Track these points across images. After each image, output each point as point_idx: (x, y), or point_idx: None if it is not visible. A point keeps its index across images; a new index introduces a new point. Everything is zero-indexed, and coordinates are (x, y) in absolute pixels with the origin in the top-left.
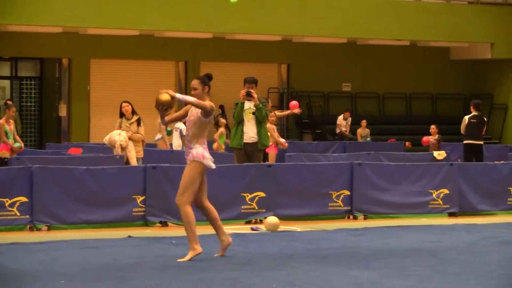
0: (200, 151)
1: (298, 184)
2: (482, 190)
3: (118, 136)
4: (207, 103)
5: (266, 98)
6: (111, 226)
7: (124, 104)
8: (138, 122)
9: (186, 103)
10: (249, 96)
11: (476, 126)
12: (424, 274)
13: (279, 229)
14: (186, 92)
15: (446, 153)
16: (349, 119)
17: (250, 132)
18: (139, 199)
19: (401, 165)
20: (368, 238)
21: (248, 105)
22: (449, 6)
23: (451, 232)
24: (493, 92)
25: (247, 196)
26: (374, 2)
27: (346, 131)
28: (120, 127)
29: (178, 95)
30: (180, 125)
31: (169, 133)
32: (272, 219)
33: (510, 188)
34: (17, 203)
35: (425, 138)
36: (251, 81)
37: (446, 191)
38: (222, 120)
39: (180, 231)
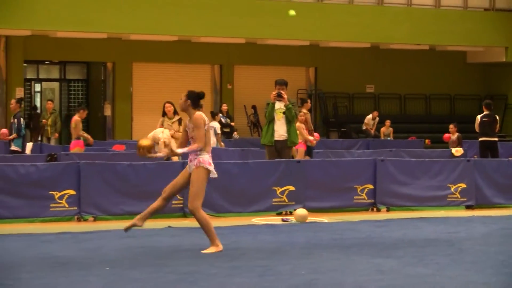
0: (206, 158)
1: (325, 179)
2: (497, 184)
3: (161, 134)
4: (195, 146)
5: (305, 98)
6: (152, 217)
7: (167, 105)
8: (179, 122)
9: (184, 152)
10: (279, 97)
11: (488, 124)
12: (442, 263)
13: (307, 221)
14: (221, 93)
15: (463, 150)
16: (377, 119)
17: (280, 130)
18: None
19: (421, 161)
20: (390, 229)
21: (279, 105)
22: (465, 13)
23: (468, 223)
24: (507, 93)
25: (278, 189)
26: (395, 9)
27: (372, 129)
28: (162, 125)
29: (178, 150)
30: (214, 123)
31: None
32: (301, 211)
33: None
34: (66, 196)
35: (446, 135)
36: (282, 83)
37: (463, 185)
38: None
39: (216, 222)
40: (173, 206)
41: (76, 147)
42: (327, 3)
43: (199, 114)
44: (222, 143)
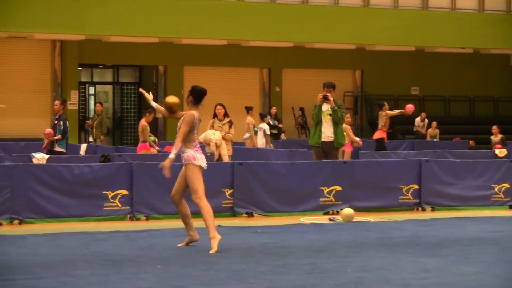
0: (190, 154)
1: (371, 179)
2: None
3: (213, 135)
4: (176, 142)
5: (381, 103)
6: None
7: (218, 107)
8: (230, 123)
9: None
10: (325, 99)
11: None
12: (487, 261)
13: (354, 220)
14: (269, 95)
15: (506, 150)
16: (426, 120)
17: (327, 132)
18: (228, 192)
19: (465, 162)
20: (435, 228)
21: (326, 107)
22: (509, 17)
23: None
24: None
25: (325, 189)
26: (439, 13)
27: (422, 130)
28: (212, 127)
29: (170, 156)
30: (263, 125)
31: (256, 132)
32: (347, 211)
33: None
34: (119, 196)
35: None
36: (329, 86)
37: (507, 185)
38: None
39: (264, 221)
40: (222, 206)
41: (142, 150)
42: (373, 8)
43: (191, 113)
44: (271, 144)
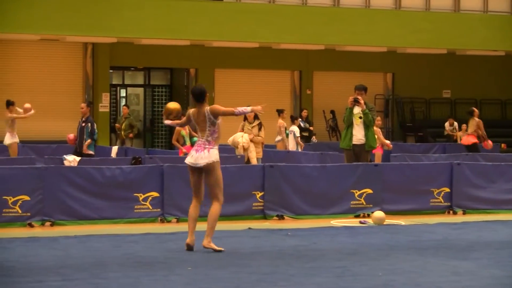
0: (217, 151)
1: (402, 182)
2: None
3: (241, 138)
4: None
5: (472, 110)
6: (233, 219)
7: None
8: (260, 126)
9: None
10: (356, 102)
11: None
12: None
13: (384, 223)
14: (300, 98)
15: None
16: (455, 124)
17: (358, 135)
18: (258, 194)
19: (497, 165)
20: (466, 231)
21: (357, 110)
22: None
23: None
24: None
25: (356, 192)
26: (471, 16)
27: (454, 135)
28: (242, 130)
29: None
30: (293, 127)
31: (287, 135)
32: (378, 214)
33: None
34: (150, 198)
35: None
36: (361, 88)
37: None
38: None
39: (295, 224)
40: (253, 208)
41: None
42: (404, 10)
43: (188, 111)
44: (302, 143)
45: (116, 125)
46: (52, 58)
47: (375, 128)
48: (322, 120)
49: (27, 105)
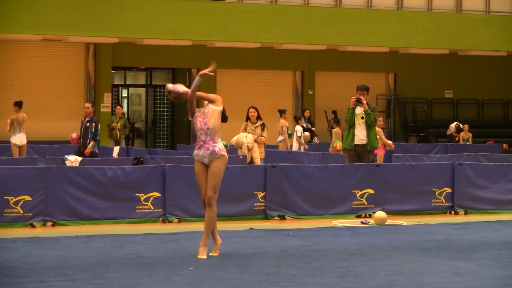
0: (221, 146)
1: (404, 182)
2: None
3: (245, 138)
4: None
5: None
6: (235, 219)
7: (251, 110)
8: (263, 126)
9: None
10: (358, 102)
11: None
12: None
13: (386, 223)
14: (302, 98)
15: None
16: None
17: (360, 135)
18: (260, 195)
19: (499, 165)
20: (468, 231)
21: (359, 110)
22: None
23: None
24: None
25: (358, 192)
26: (473, 17)
27: (456, 136)
28: (245, 130)
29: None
30: (297, 127)
31: (290, 135)
32: (380, 214)
33: None
34: (151, 198)
35: None
36: (363, 89)
37: None
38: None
39: (297, 224)
40: (255, 208)
41: None
42: (407, 11)
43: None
44: (305, 144)
45: (113, 124)
46: (54, 58)
47: (377, 128)
48: (324, 120)
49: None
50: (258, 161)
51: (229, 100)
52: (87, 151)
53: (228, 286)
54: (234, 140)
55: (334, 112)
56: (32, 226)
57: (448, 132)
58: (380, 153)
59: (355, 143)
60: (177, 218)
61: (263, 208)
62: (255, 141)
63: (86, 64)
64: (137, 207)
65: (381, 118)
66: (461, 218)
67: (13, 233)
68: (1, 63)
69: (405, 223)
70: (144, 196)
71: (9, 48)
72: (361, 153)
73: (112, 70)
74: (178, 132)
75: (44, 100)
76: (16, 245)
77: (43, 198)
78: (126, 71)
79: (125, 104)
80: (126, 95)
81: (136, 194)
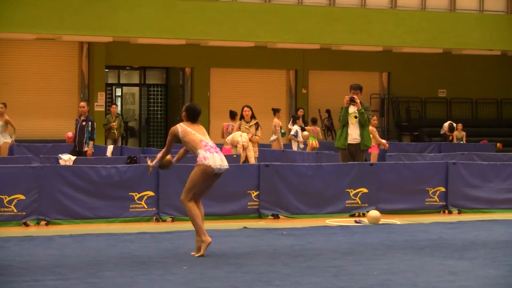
0: (201, 155)
1: (398, 181)
2: None
3: (240, 137)
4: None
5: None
6: (228, 218)
7: (245, 109)
8: (257, 126)
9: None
10: (352, 101)
11: None
12: None
13: (380, 222)
14: (296, 97)
15: None
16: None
17: (353, 134)
18: (254, 194)
19: (493, 164)
20: (461, 230)
21: (353, 109)
22: None
23: None
24: None
25: (351, 191)
26: (467, 16)
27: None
28: (239, 129)
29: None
30: (295, 127)
31: (283, 134)
32: (374, 213)
33: None
34: (145, 197)
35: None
36: (356, 88)
37: None
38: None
39: (290, 223)
40: (248, 207)
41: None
42: (401, 10)
43: (176, 126)
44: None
45: (112, 124)
46: (48, 57)
47: (371, 127)
48: (317, 119)
49: None
50: (252, 160)
51: (223, 99)
52: (89, 152)
53: (221, 285)
54: (229, 139)
55: (328, 111)
56: (26, 225)
57: (442, 131)
58: (374, 152)
59: (349, 142)
60: (171, 217)
61: (256, 207)
62: (250, 140)
63: (80, 63)
64: (130, 206)
65: (375, 117)
66: (454, 217)
67: (7, 232)
68: None
69: (398, 222)
70: (138, 195)
71: (3, 47)
72: (355, 152)
73: (106, 69)
74: None
75: (38, 99)
76: (9, 244)
77: (37, 197)
78: (120, 70)
79: (119, 103)
80: (120, 94)
81: (130, 193)
